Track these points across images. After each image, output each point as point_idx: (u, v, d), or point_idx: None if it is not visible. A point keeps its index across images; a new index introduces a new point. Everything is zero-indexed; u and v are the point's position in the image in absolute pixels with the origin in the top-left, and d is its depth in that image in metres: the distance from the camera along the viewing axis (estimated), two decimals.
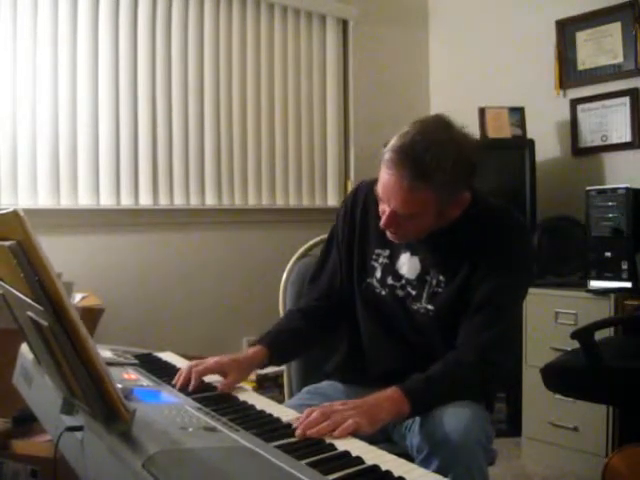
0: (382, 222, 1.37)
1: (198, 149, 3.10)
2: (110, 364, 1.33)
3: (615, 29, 3.05)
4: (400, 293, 1.47)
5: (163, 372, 1.39)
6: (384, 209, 1.36)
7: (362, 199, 1.56)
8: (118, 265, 2.83)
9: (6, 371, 1.52)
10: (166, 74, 2.99)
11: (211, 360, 1.36)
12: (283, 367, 1.79)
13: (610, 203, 2.60)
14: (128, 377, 1.28)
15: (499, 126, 3.16)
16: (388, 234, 1.42)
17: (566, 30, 3.23)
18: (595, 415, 2.51)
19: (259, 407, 1.16)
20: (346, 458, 0.93)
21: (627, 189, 2.58)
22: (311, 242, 1.94)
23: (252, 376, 2.80)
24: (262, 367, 1.49)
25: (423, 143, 1.27)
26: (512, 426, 2.93)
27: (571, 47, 3.21)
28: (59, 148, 2.70)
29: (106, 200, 2.82)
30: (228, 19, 3.20)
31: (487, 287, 1.37)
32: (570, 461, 2.63)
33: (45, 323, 0.90)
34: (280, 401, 1.45)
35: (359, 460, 0.91)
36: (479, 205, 1.44)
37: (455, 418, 1.21)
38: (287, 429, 1.05)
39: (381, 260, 1.51)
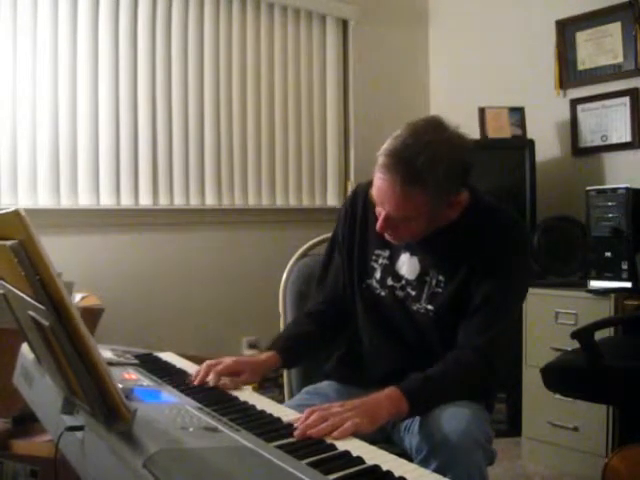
0: (377, 225, 1.38)
1: (198, 149, 3.10)
2: (110, 364, 1.33)
3: (615, 29, 3.05)
4: (400, 294, 1.48)
5: (163, 372, 1.39)
6: (380, 212, 1.37)
7: (361, 200, 1.56)
8: (118, 265, 2.83)
9: (6, 371, 1.52)
10: (166, 74, 2.99)
11: (228, 360, 1.38)
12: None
13: (610, 203, 2.60)
14: (128, 377, 1.28)
15: (499, 126, 3.16)
16: (386, 235, 1.43)
17: (566, 30, 3.23)
18: (595, 415, 2.51)
19: (259, 407, 1.16)
20: (346, 458, 0.93)
21: (627, 189, 2.58)
22: (311, 242, 1.94)
23: None
24: (275, 372, 1.52)
25: (415, 146, 1.27)
26: (512, 426, 2.93)
27: (571, 47, 3.21)
28: (59, 148, 2.70)
29: (106, 200, 2.82)
30: (228, 19, 3.20)
31: (486, 288, 1.37)
32: (570, 461, 2.63)
33: (46, 322, 0.90)
34: (280, 401, 1.45)
35: (359, 460, 0.91)
36: (478, 205, 1.44)
37: (455, 418, 1.22)
38: (287, 429, 1.05)
39: (381, 261, 1.52)
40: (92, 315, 2.15)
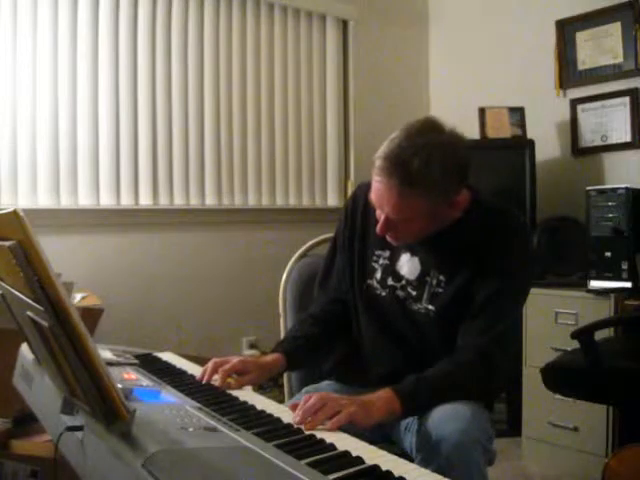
0: (378, 228, 1.38)
1: (198, 149, 3.10)
2: (110, 364, 1.33)
3: (615, 29, 3.05)
4: (400, 294, 1.48)
5: (163, 372, 1.39)
6: (379, 215, 1.37)
7: (361, 201, 1.56)
8: (118, 265, 2.83)
9: (6, 371, 1.52)
10: (166, 74, 2.99)
11: (235, 359, 1.38)
12: None
13: (610, 203, 2.60)
14: (128, 377, 1.28)
15: (499, 126, 3.16)
16: (388, 237, 1.43)
17: (566, 30, 3.22)
18: (595, 415, 2.50)
19: (259, 407, 1.16)
20: (346, 458, 0.93)
21: (627, 189, 2.58)
22: (311, 242, 1.94)
23: None
24: (280, 374, 1.53)
25: (410, 149, 1.27)
26: (512, 426, 2.93)
27: (571, 47, 3.21)
28: (59, 148, 2.70)
29: (106, 200, 2.82)
30: (228, 19, 3.20)
31: (487, 289, 1.37)
32: (570, 461, 2.63)
33: (45, 323, 0.90)
34: (280, 401, 1.45)
35: (359, 460, 0.91)
36: (479, 205, 1.44)
37: (455, 418, 1.21)
38: (287, 429, 1.05)
39: (381, 261, 1.52)
40: (92, 315, 2.15)
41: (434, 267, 1.44)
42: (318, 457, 0.91)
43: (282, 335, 1.83)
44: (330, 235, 1.70)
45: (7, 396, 1.62)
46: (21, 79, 2.62)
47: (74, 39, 2.73)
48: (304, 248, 1.93)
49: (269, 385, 2.87)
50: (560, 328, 2.60)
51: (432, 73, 3.96)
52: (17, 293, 1.01)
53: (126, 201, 2.88)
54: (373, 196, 1.36)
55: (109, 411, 0.89)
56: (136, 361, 1.43)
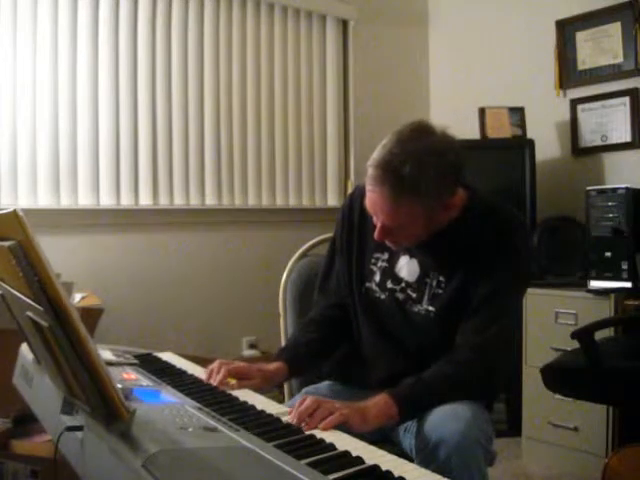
0: (375, 235, 1.38)
1: (198, 149, 3.10)
2: (110, 364, 1.34)
3: (615, 29, 3.05)
4: (400, 296, 1.47)
5: (163, 372, 1.39)
6: (376, 221, 1.37)
7: (358, 204, 1.55)
8: (118, 265, 2.83)
9: (6, 371, 1.52)
10: (166, 74, 2.99)
11: (240, 363, 1.41)
12: None
13: (610, 203, 2.60)
14: (128, 377, 1.28)
15: (499, 126, 3.16)
16: (387, 242, 1.43)
17: (566, 30, 3.22)
18: (595, 415, 2.50)
19: (259, 407, 1.16)
20: (346, 458, 0.93)
21: (627, 189, 2.58)
22: (311, 242, 1.94)
23: None
24: (283, 382, 1.56)
25: (401, 156, 1.27)
26: (512, 426, 2.93)
27: (571, 47, 3.21)
28: (59, 148, 2.70)
29: (106, 200, 2.82)
30: (228, 19, 3.20)
31: (486, 288, 1.37)
32: (570, 461, 2.63)
33: (45, 323, 0.90)
34: (280, 401, 1.45)
35: (359, 460, 0.91)
36: (477, 204, 1.44)
37: (455, 419, 1.21)
38: (287, 429, 1.05)
39: (380, 264, 1.52)
40: (92, 315, 2.15)
41: (433, 268, 1.44)
42: (318, 457, 0.91)
43: (282, 335, 1.84)
44: (330, 235, 1.70)
45: (7, 396, 1.62)
46: (21, 79, 2.62)
47: (74, 39, 2.73)
48: (304, 248, 1.93)
49: None
50: (560, 328, 2.60)
51: (432, 73, 3.96)
52: (17, 293, 1.01)
53: (126, 201, 2.88)
54: (368, 204, 1.36)
55: (109, 411, 0.89)
56: (136, 361, 1.43)
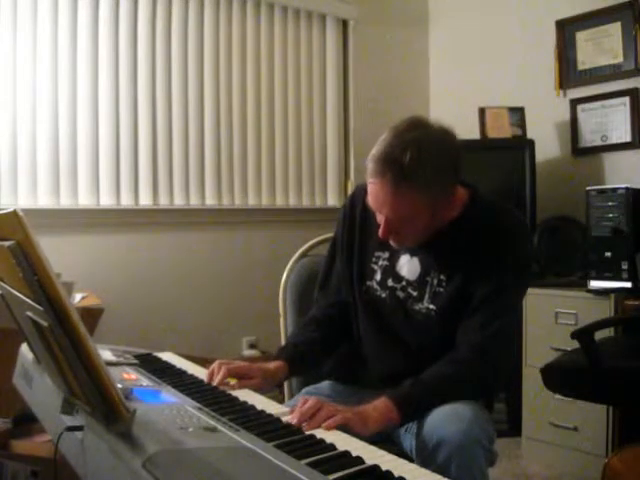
0: (380, 233, 1.37)
1: (198, 149, 3.10)
2: (110, 364, 1.34)
3: (615, 29, 3.05)
4: (401, 295, 1.47)
5: (163, 372, 1.39)
6: (380, 219, 1.37)
7: (360, 203, 1.55)
8: (118, 265, 2.83)
9: (6, 371, 1.52)
10: (166, 74, 2.99)
11: (241, 362, 1.41)
12: None
13: (610, 203, 2.60)
14: (128, 377, 1.28)
15: (499, 126, 3.16)
16: (391, 242, 1.42)
17: (566, 30, 3.22)
18: (595, 415, 2.50)
19: (259, 407, 1.16)
20: (346, 458, 0.93)
21: (627, 189, 2.58)
22: (311, 242, 1.94)
23: None
24: (283, 381, 1.54)
25: (400, 146, 1.28)
26: (512, 426, 2.93)
27: (571, 47, 3.21)
28: (59, 148, 2.70)
29: (106, 200, 2.82)
30: (228, 19, 3.20)
31: (486, 287, 1.37)
32: (570, 461, 2.63)
33: (45, 323, 0.90)
34: (280, 401, 1.45)
35: (359, 460, 0.91)
36: (478, 204, 1.44)
37: (456, 419, 1.21)
38: (287, 429, 1.05)
39: (381, 262, 1.52)
40: (92, 315, 2.15)
41: (434, 267, 1.44)
42: (318, 457, 0.91)
43: (282, 335, 1.83)
44: (330, 235, 1.70)
45: (7, 396, 1.62)
46: (21, 79, 2.62)
47: (74, 39, 2.73)
48: (304, 248, 1.93)
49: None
50: (560, 328, 2.60)
51: (432, 73, 3.96)
52: (17, 293, 1.01)
53: (126, 201, 2.88)
54: (370, 199, 1.36)
55: (109, 411, 0.89)
56: (136, 361, 1.43)
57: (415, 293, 1.45)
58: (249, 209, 3.28)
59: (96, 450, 0.95)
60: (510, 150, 3.13)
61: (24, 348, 1.45)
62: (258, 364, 1.43)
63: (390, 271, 1.50)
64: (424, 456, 1.21)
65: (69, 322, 0.86)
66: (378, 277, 1.51)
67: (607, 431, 2.48)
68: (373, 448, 1.00)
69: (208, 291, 3.10)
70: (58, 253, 2.44)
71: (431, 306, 1.43)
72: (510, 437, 2.87)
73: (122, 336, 2.53)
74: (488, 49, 3.58)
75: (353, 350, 1.58)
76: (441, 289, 1.42)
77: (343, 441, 1.01)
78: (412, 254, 1.47)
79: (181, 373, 1.42)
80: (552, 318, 2.68)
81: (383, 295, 1.50)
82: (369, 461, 0.91)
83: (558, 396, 2.52)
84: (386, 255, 1.51)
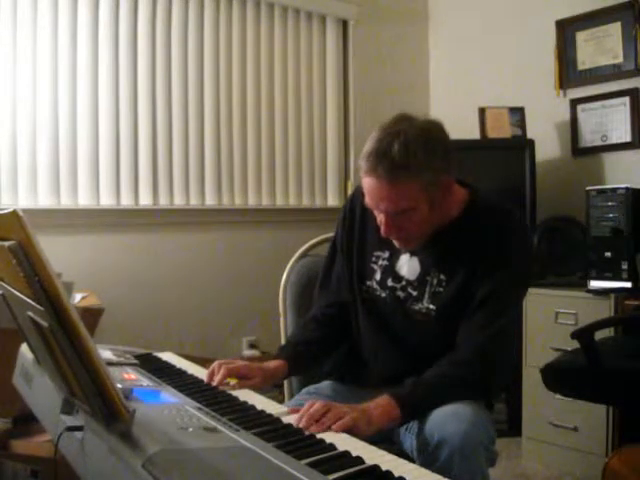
0: (382, 231, 1.38)
1: (198, 149, 3.09)
2: (110, 364, 1.34)
3: (615, 29, 3.05)
4: (400, 294, 1.47)
5: (163, 372, 1.39)
6: (380, 219, 1.37)
7: (359, 203, 1.55)
8: (118, 265, 2.83)
9: (6, 371, 1.52)
10: (166, 74, 2.99)
11: (240, 362, 1.41)
12: None
13: (610, 203, 2.60)
14: (128, 377, 1.28)
15: (499, 126, 3.16)
16: (395, 242, 1.42)
17: (566, 30, 3.22)
18: (595, 415, 2.50)
19: (259, 407, 1.16)
20: (346, 458, 0.93)
21: (627, 189, 2.58)
22: (311, 242, 1.94)
23: None
24: (283, 380, 1.56)
25: (388, 138, 1.30)
26: (512, 426, 2.93)
27: (571, 47, 3.21)
28: (59, 148, 2.70)
29: (106, 200, 2.82)
30: (228, 19, 3.20)
31: (486, 287, 1.37)
32: (570, 461, 2.63)
33: (45, 323, 0.90)
34: (280, 401, 1.45)
35: (359, 460, 0.91)
36: (478, 204, 1.44)
37: (456, 419, 1.21)
38: (287, 429, 1.05)
39: (380, 262, 1.52)
40: (92, 315, 2.15)
41: (434, 267, 1.44)
42: (318, 457, 0.91)
43: (282, 335, 1.83)
44: (330, 235, 1.70)
45: (7, 396, 1.62)
46: (21, 79, 2.62)
47: (74, 39, 2.73)
48: (304, 248, 1.93)
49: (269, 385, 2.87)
50: (560, 328, 2.60)
51: (432, 73, 3.96)
52: (17, 293, 1.01)
53: (126, 201, 2.88)
54: (367, 197, 1.36)
55: (109, 411, 0.89)
56: (136, 361, 1.43)
57: (415, 293, 1.45)
58: (249, 209, 3.28)
59: (96, 450, 0.95)
60: (510, 150, 3.13)
61: (24, 348, 1.45)
62: (258, 364, 1.43)
63: (390, 271, 1.50)
64: (425, 456, 1.21)
65: (69, 322, 0.86)
66: (378, 277, 1.51)
67: (607, 431, 2.48)
68: (373, 448, 1.00)
69: (208, 291, 3.10)
70: (58, 253, 2.44)
71: (431, 306, 1.43)
72: (510, 437, 2.87)
73: (122, 336, 2.53)
74: (488, 49, 3.58)
75: (353, 350, 1.58)
76: (441, 289, 1.42)
77: (343, 441, 1.01)
78: (412, 254, 1.47)
79: (181, 373, 1.42)
80: (552, 318, 2.68)
81: (383, 295, 1.50)
82: (369, 461, 0.91)
83: (558, 396, 2.52)
84: (386, 255, 1.51)
